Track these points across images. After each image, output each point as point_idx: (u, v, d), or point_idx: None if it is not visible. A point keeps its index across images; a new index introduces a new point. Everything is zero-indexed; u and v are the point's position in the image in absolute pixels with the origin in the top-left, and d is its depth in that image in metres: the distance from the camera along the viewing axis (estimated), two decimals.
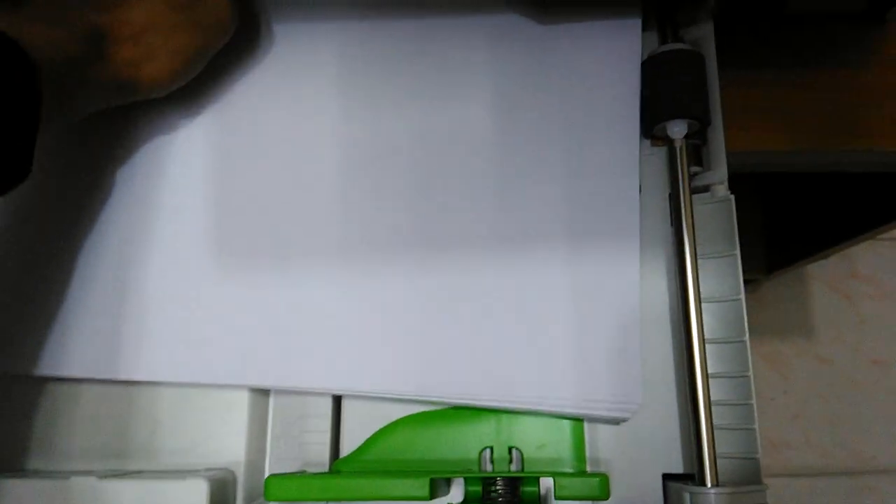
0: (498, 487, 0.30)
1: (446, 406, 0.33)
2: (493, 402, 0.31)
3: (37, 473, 0.32)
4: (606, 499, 0.28)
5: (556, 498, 0.28)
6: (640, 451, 0.32)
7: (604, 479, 0.28)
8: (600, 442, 0.32)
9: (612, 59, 0.35)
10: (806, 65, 0.41)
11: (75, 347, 0.33)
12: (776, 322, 1.28)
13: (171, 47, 0.31)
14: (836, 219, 0.82)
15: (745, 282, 1.04)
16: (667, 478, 0.31)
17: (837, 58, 0.41)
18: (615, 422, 0.32)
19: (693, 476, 0.30)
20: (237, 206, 0.34)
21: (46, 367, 0.33)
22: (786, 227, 0.95)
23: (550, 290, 0.32)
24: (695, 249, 0.32)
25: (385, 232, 0.33)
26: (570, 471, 0.31)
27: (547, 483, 0.31)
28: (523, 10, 0.35)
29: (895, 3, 0.39)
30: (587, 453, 0.32)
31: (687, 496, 0.29)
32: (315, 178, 0.34)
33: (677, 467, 0.32)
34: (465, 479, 0.31)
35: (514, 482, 0.30)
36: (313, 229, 0.34)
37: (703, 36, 0.35)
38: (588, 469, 0.31)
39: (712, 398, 0.31)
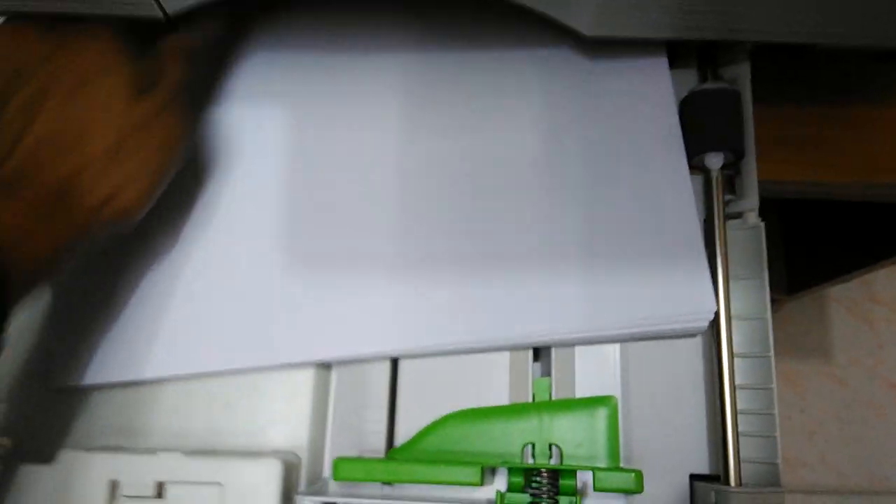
0: (539, 479, 0.33)
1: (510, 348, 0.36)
2: (562, 336, 0.35)
3: (125, 449, 0.36)
4: (641, 492, 0.32)
5: (596, 489, 0.32)
6: (670, 453, 0.35)
7: (639, 474, 0.31)
8: (633, 443, 0.35)
9: (650, 92, 0.38)
10: (831, 100, 0.44)
11: (150, 350, 0.37)
12: (795, 342, 1.29)
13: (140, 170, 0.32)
14: (858, 244, 0.84)
15: None
16: (694, 478, 0.35)
17: (863, 94, 0.44)
18: (692, 334, 0.35)
19: (718, 477, 0.33)
20: (304, 209, 0.38)
21: (125, 374, 0.36)
22: (808, 249, 0.97)
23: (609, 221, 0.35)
24: (727, 271, 0.35)
25: (437, 235, 0.37)
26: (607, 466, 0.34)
27: (584, 477, 0.34)
28: (570, 45, 0.39)
29: None
30: (621, 451, 0.35)
31: (713, 494, 0.32)
32: (377, 190, 0.38)
33: (704, 469, 0.35)
34: (510, 469, 0.34)
35: (554, 475, 0.33)
36: (373, 235, 0.37)
37: (740, 74, 0.38)
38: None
39: (738, 407, 0.34)
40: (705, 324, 0.34)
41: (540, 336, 0.35)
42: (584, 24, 0.34)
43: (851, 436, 1.24)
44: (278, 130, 0.39)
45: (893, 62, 0.44)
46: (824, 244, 0.92)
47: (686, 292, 0.34)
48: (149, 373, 0.36)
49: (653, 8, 0.32)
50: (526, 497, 0.33)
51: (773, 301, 1.09)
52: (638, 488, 0.31)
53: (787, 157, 0.43)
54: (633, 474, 0.31)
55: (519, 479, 0.34)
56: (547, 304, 0.35)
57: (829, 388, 1.26)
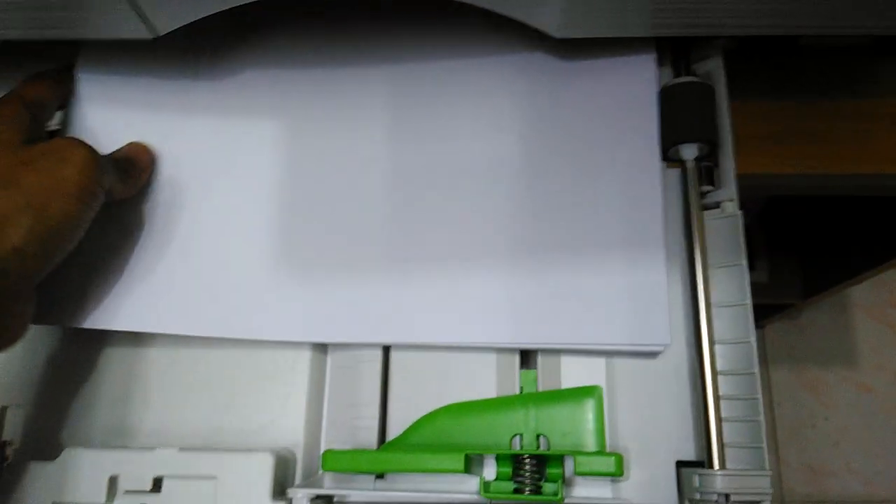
0: (527, 466, 0.34)
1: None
2: (534, 345, 0.37)
3: (124, 447, 0.37)
4: (621, 475, 0.32)
5: (576, 473, 0.32)
6: (657, 441, 0.35)
7: (619, 458, 0.32)
8: (619, 432, 0.36)
9: (631, 89, 0.39)
10: (817, 93, 0.45)
11: (149, 303, 0.38)
12: (817, 350, 1.28)
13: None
14: (870, 244, 0.84)
15: (783, 307, 1.06)
16: (680, 464, 0.35)
17: (846, 87, 0.45)
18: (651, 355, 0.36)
19: (704, 463, 0.34)
20: (301, 201, 0.40)
21: (127, 322, 0.38)
22: (821, 253, 0.97)
23: (583, 247, 0.37)
24: (705, 259, 0.35)
25: (422, 227, 0.38)
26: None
27: (571, 465, 0.35)
28: (549, 48, 0.40)
29: None
30: (608, 441, 0.35)
31: (696, 478, 0.33)
32: (364, 191, 0.39)
33: (690, 456, 0.35)
34: (497, 458, 0.35)
35: (539, 462, 0.34)
36: (364, 225, 0.39)
37: (714, 69, 0.39)
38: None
39: (723, 393, 0.34)
40: (660, 350, 0.36)
41: (508, 342, 0.37)
42: (552, 26, 0.35)
43: (878, 443, 1.22)
44: (267, 142, 0.41)
45: (876, 57, 0.45)
46: (836, 247, 0.91)
47: (643, 325, 0.35)
48: (146, 325, 0.38)
49: (621, 6, 0.33)
50: (511, 485, 0.34)
51: (790, 307, 1.08)
52: (618, 472, 0.32)
53: (783, 150, 0.44)
54: (613, 458, 0.32)
55: (507, 469, 0.35)
56: (499, 314, 0.36)
57: (854, 395, 1.25)
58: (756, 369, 0.35)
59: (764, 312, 1.16)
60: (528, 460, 0.33)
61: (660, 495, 0.34)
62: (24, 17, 0.34)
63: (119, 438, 0.38)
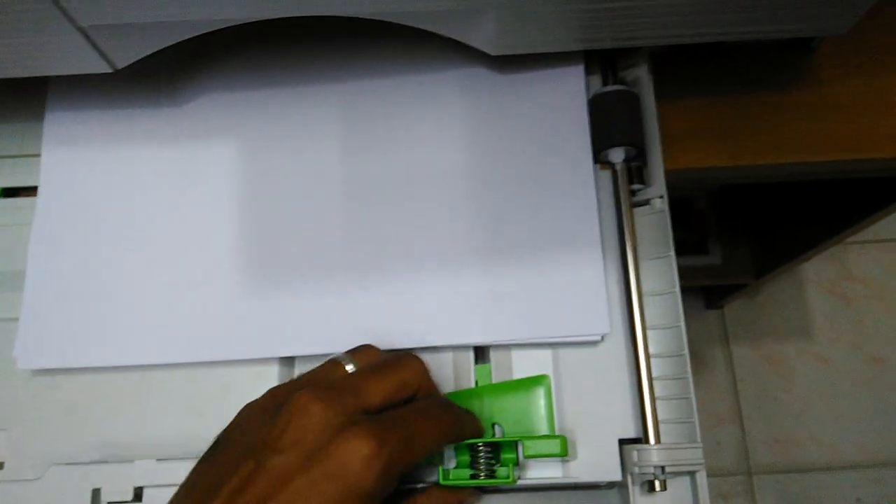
0: (481, 454, 0.37)
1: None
2: (486, 341, 0.40)
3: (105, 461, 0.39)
4: (565, 455, 0.35)
5: (525, 457, 0.35)
6: (602, 422, 0.39)
7: (563, 439, 0.35)
8: (567, 416, 0.39)
9: (563, 97, 0.42)
10: (743, 88, 0.48)
11: (119, 336, 0.40)
12: (776, 325, 1.33)
13: None
14: (815, 223, 0.88)
15: (738, 287, 1.10)
16: (622, 442, 0.38)
17: (767, 81, 0.48)
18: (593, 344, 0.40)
19: (643, 439, 0.37)
20: (260, 220, 0.42)
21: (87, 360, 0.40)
22: (770, 232, 1.01)
23: (523, 244, 0.40)
24: (636, 252, 0.39)
25: (378, 237, 0.41)
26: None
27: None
28: (488, 62, 0.43)
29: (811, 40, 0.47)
30: (557, 425, 0.38)
31: (635, 453, 0.36)
32: (323, 200, 0.42)
33: (631, 434, 0.38)
34: (456, 448, 0.38)
35: (495, 449, 0.37)
36: (322, 238, 0.41)
37: (641, 75, 0.42)
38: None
39: (657, 374, 0.38)
40: (599, 339, 0.39)
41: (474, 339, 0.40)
42: (488, 44, 0.38)
43: (838, 411, 1.27)
44: (225, 164, 0.43)
45: (793, 52, 0.49)
46: (785, 227, 0.96)
47: (585, 317, 0.39)
48: (118, 359, 0.40)
49: (552, 23, 0.36)
50: (468, 472, 0.37)
51: (745, 286, 1.13)
52: (563, 452, 0.35)
53: (708, 145, 0.47)
54: (558, 440, 0.35)
55: (465, 457, 0.38)
56: (455, 315, 0.39)
57: (813, 367, 1.30)
58: (686, 351, 0.38)
59: (721, 293, 1.21)
60: (482, 448, 0.36)
61: (605, 471, 0.38)
62: None
63: (99, 452, 0.40)
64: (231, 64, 0.45)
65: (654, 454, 0.35)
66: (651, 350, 0.38)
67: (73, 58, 0.36)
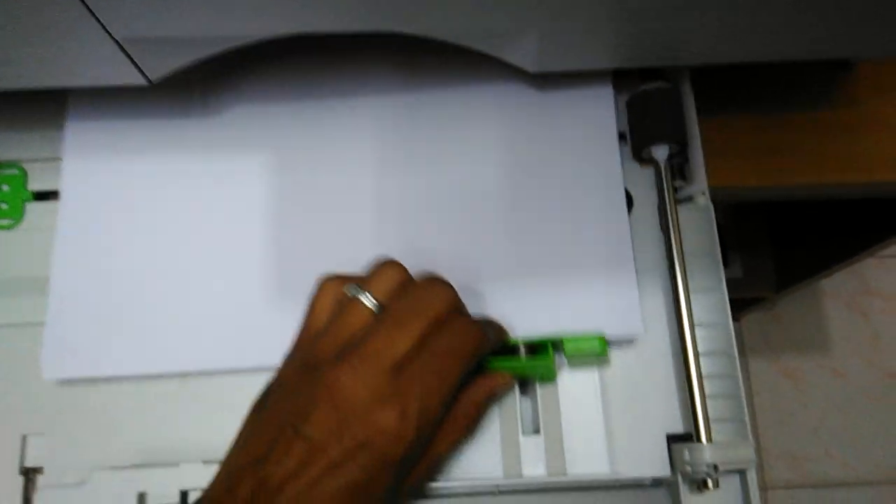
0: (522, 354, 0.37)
1: None
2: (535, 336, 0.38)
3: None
4: (605, 354, 0.37)
5: (566, 354, 0.37)
6: (648, 418, 0.38)
7: (602, 338, 0.37)
8: (613, 412, 0.38)
9: (592, 111, 0.42)
10: (779, 106, 0.48)
11: (151, 344, 0.39)
12: (793, 339, 1.32)
13: None
14: (838, 239, 0.87)
15: (757, 300, 1.09)
16: (670, 438, 0.38)
17: (804, 100, 0.48)
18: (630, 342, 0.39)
19: (691, 435, 0.36)
20: (290, 229, 0.41)
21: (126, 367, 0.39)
22: (792, 247, 1.00)
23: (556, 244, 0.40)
24: (681, 249, 0.38)
25: (411, 249, 0.40)
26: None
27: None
28: (523, 80, 0.43)
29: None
30: (602, 420, 0.38)
31: (686, 451, 0.35)
32: (353, 213, 0.42)
33: (678, 429, 0.38)
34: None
35: (535, 352, 0.38)
36: (352, 250, 0.40)
37: (680, 73, 0.42)
38: (602, 423, 0.38)
39: (705, 372, 0.37)
40: (633, 339, 0.39)
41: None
42: (529, 62, 0.37)
43: (854, 427, 1.26)
44: (256, 175, 0.42)
45: (831, 71, 0.49)
46: (807, 241, 0.95)
47: (616, 316, 0.38)
48: (135, 369, 0.39)
49: (594, 42, 0.36)
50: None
51: (763, 300, 1.11)
52: (602, 351, 0.37)
53: (744, 162, 0.47)
54: (596, 338, 0.37)
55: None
56: (517, 312, 0.39)
57: (830, 382, 1.29)
58: (734, 350, 0.37)
59: (739, 305, 1.20)
60: (523, 350, 0.37)
61: (654, 468, 0.37)
62: (19, 71, 0.35)
63: (140, 457, 0.39)
64: (265, 75, 0.45)
65: (706, 452, 0.35)
66: (699, 348, 0.37)
67: (109, 70, 0.36)
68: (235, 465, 0.32)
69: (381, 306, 0.34)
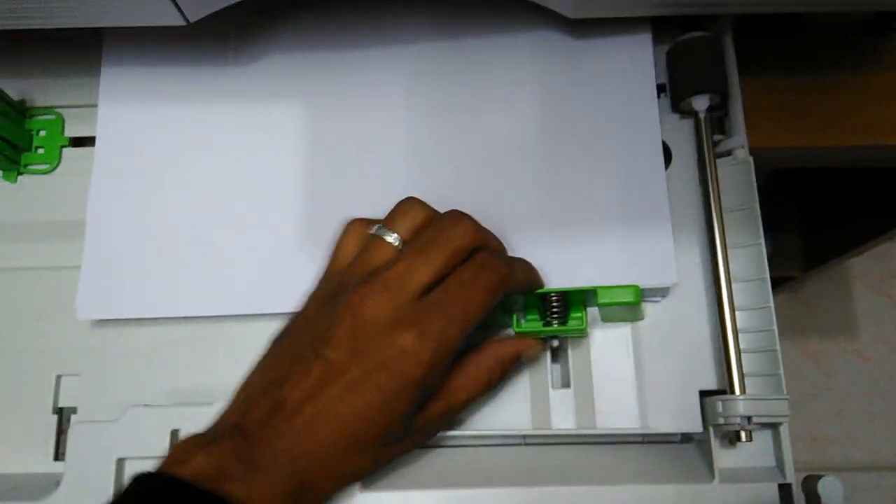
0: (554, 305, 0.37)
1: None
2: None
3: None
4: (638, 303, 0.36)
5: (599, 304, 0.36)
6: (681, 373, 0.38)
7: (636, 287, 0.36)
8: (645, 367, 0.38)
9: (630, 61, 0.41)
10: (820, 67, 0.47)
11: (187, 287, 0.40)
12: (819, 321, 1.30)
13: None
14: (868, 217, 0.85)
15: (785, 279, 1.07)
16: (703, 394, 0.37)
17: (846, 62, 0.47)
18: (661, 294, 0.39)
19: (725, 391, 0.36)
20: (324, 179, 0.41)
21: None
22: (821, 225, 0.99)
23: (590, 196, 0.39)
24: (720, 204, 0.38)
25: (444, 198, 0.39)
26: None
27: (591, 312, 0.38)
28: (560, 27, 0.42)
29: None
30: (635, 376, 0.38)
31: (719, 403, 0.35)
32: (388, 159, 0.41)
33: (712, 386, 0.37)
34: (526, 304, 0.38)
35: (565, 303, 0.37)
36: (386, 196, 0.39)
37: (721, 25, 0.41)
38: (633, 378, 0.38)
39: (741, 327, 0.37)
40: (668, 288, 0.38)
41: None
42: (568, 6, 0.37)
43: (878, 411, 1.24)
44: (292, 123, 0.42)
45: (876, 32, 0.47)
46: (836, 220, 0.93)
47: (651, 265, 0.38)
48: (170, 311, 0.40)
49: None
50: (539, 323, 0.37)
51: (790, 279, 1.10)
52: (636, 300, 0.35)
53: (784, 123, 0.46)
54: (631, 288, 0.36)
55: (534, 311, 0.38)
56: (546, 263, 0.38)
57: (855, 365, 1.27)
58: (771, 304, 0.37)
59: None
60: (554, 298, 0.37)
61: (686, 422, 0.37)
62: (56, 6, 0.35)
63: (175, 399, 0.39)
64: (299, 24, 0.44)
65: (740, 405, 0.34)
66: (735, 302, 0.37)
67: (147, 8, 0.35)
68: (253, 388, 0.32)
69: (405, 242, 0.34)
